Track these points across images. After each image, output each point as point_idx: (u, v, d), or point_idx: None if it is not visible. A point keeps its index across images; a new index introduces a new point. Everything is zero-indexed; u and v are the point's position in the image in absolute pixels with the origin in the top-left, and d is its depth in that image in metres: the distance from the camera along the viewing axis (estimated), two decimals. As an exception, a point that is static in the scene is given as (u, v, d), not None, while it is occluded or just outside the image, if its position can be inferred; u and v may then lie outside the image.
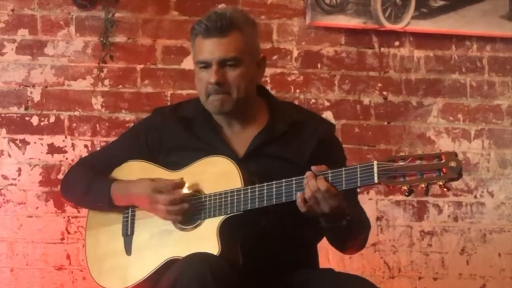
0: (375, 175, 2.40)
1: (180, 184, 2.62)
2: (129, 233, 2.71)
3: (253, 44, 2.70)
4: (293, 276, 2.63)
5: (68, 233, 3.94)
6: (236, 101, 2.65)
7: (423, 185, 2.36)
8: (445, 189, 2.38)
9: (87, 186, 2.76)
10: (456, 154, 2.35)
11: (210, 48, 2.64)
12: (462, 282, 4.15)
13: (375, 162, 2.40)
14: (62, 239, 3.94)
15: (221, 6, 2.73)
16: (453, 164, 2.33)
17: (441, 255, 4.16)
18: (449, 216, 4.18)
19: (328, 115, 4.13)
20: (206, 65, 2.66)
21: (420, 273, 4.14)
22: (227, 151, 2.67)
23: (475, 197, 4.20)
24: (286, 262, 2.64)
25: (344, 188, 2.45)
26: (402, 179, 2.38)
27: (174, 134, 2.74)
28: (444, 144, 4.20)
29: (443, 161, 2.34)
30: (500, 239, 4.19)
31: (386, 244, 4.12)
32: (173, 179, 2.63)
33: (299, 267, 2.66)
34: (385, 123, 4.20)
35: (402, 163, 2.38)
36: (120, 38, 4.05)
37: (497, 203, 4.22)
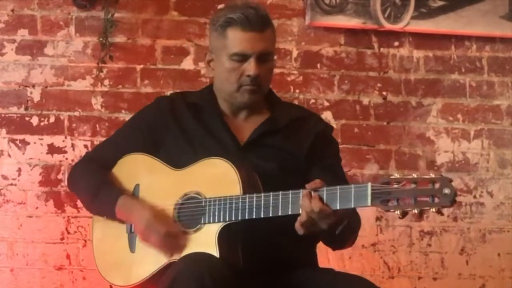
0: (369, 197, 2.38)
1: (173, 233, 2.61)
2: (132, 230, 2.72)
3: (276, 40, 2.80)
4: (293, 276, 2.63)
5: (68, 233, 3.95)
6: (263, 92, 2.75)
7: (415, 211, 2.33)
8: (438, 214, 2.35)
9: (93, 194, 2.77)
10: (450, 180, 2.31)
11: (251, 42, 2.67)
12: (462, 282, 4.15)
13: (369, 185, 2.39)
14: (62, 239, 3.95)
15: (244, 2, 2.76)
16: (447, 191, 2.29)
17: (440, 255, 4.16)
18: (448, 216, 4.18)
19: (327, 115, 4.14)
20: (243, 57, 2.69)
21: (420, 273, 4.14)
22: (229, 138, 2.72)
23: (475, 197, 4.21)
24: (285, 262, 2.65)
25: (338, 208, 2.44)
26: (395, 203, 2.34)
27: (180, 120, 2.78)
28: (444, 144, 4.21)
29: (437, 187, 2.30)
30: (500, 239, 4.20)
31: (386, 244, 4.13)
32: (170, 226, 2.63)
33: (299, 267, 2.66)
34: (385, 123, 4.20)
35: (396, 186, 2.35)
36: (119, 38, 4.05)
37: (496, 203, 4.22)
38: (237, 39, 2.68)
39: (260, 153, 2.70)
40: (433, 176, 2.33)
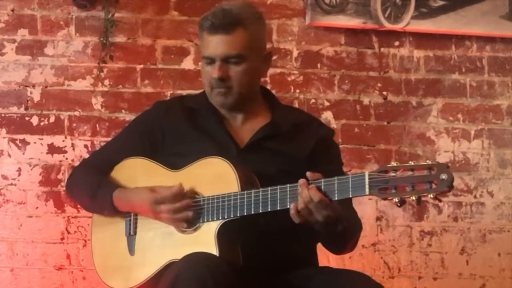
0: (366, 186, 2.38)
1: (179, 193, 2.62)
2: (131, 233, 2.73)
3: (259, 39, 2.75)
4: (293, 275, 2.63)
5: (68, 233, 3.95)
6: (238, 95, 2.71)
7: (414, 198, 2.33)
8: (436, 200, 2.35)
9: (91, 193, 2.78)
10: (447, 166, 2.31)
11: (215, 45, 2.68)
12: (462, 282, 4.15)
13: (366, 173, 2.39)
14: (62, 239, 3.95)
15: (227, 2, 2.76)
16: (444, 176, 2.29)
17: (441, 255, 4.16)
18: (449, 216, 4.18)
19: (328, 115, 4.13)
20: (211, 60, 2.71)
21: (420, 273, 4.14)
22: (229, 141, 2.72)
23: (475, 197, 4.20)
24: (285, 261, 2.65)
25: (336, 198, 2.45)
26: (393, 191, 2.35)
27: (178, 124, 2.78)
28: (444, 144, 4.21)
29: (434, 173, 2.30)
30: (500, 239, 4.20)
31: (386, 244, 4.12)
32: (172, 188, 2.63)
33: (299, 266, 2.67)
34: (385, 123, 4.20)
35: (393, 174, 2.35)
36: (120, 38, 4.05)
37: (496, 203, 4.22)
38: (205, 43, 2.71)
39: (259, 156, 2.69)
40: (429, 162, 2.33)
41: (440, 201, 2.34)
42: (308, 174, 2.48)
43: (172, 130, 2.78)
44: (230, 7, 2.70)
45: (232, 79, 2.69)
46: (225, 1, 2.76)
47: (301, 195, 2.46)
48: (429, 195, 2.31)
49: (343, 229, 2.55)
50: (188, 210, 2.61)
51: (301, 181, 2.47)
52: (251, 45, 2.70)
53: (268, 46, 4.05)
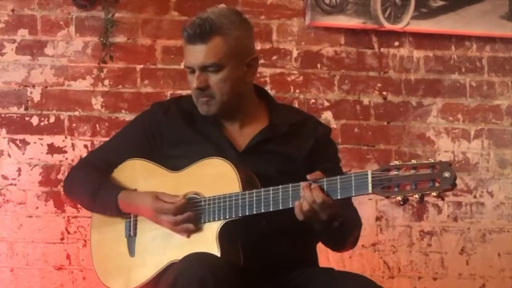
0: (369, 185, 2.38)
1: (181, 206, 2.62)
2: (131, 234, 2.73)
3: (239, 46, 2.70)
4: (294, 275, 2.63)
5: (68, 233, 3.95)
6: (221, 103, 2.70)
7: (416, 196, 2.34)
8: (439, 199, 2.36)
9: (93, 192, 2.77)
10: (450, 164, 2.32)
11: (192, 55, 2.68)
12: (462, 282, 4.15)
13: (369, 172, 2.39)
14: (62, 239, 3.95)
15: (210, 8, 2.73)
16: (446, 174, 2.30)
17: (440, 255, 4.16)
18: (448, 216, 4.18)
19: (327, 115, 4.13)
20: (192, 70, 2.71)
21: (420, 273, 4.14)
22: (227, 145, 2.71)
23: (475, 197, 4.20)
24: (286, 262, 2.65)
25: (339, 197, 2.45)
26: (396, 189, 2.35)
27: (176, 127, 2.77)
28: (444, 144, 4.21)
29: (437, 171, 2.31)
30: (500, 239, 4.20)
31: (386, 244, 4.13)
32: (175, 200, 2.63)
33: (299, 266, 2.67)
34: (385, 123, 4.20)
35: (396, 173, 2.35)
36: (120, 38, 4.05)
37: (496, 203, 4.22)
38: (185, 52, 2.71)
39: (258, 159, 2.69)
40: (432, 161, 2.34)
41: (443, 199, 2.35)
42: (308, 177, 2.48)
43: (170, 131, 2.77)
44: (209, 15, 2.68)
45: (212, 88, 2.68)
46: (210, 8, 2.74)
47: (305, 197, 2.46)
48: (432, 193, 2.32)
49: (339, 226, 2.54)
50: (189, 222, 2.61)
51: (303, 183, 2.47)
52: (230, 52, 2.67)
53: (268, 46, 4.11)
